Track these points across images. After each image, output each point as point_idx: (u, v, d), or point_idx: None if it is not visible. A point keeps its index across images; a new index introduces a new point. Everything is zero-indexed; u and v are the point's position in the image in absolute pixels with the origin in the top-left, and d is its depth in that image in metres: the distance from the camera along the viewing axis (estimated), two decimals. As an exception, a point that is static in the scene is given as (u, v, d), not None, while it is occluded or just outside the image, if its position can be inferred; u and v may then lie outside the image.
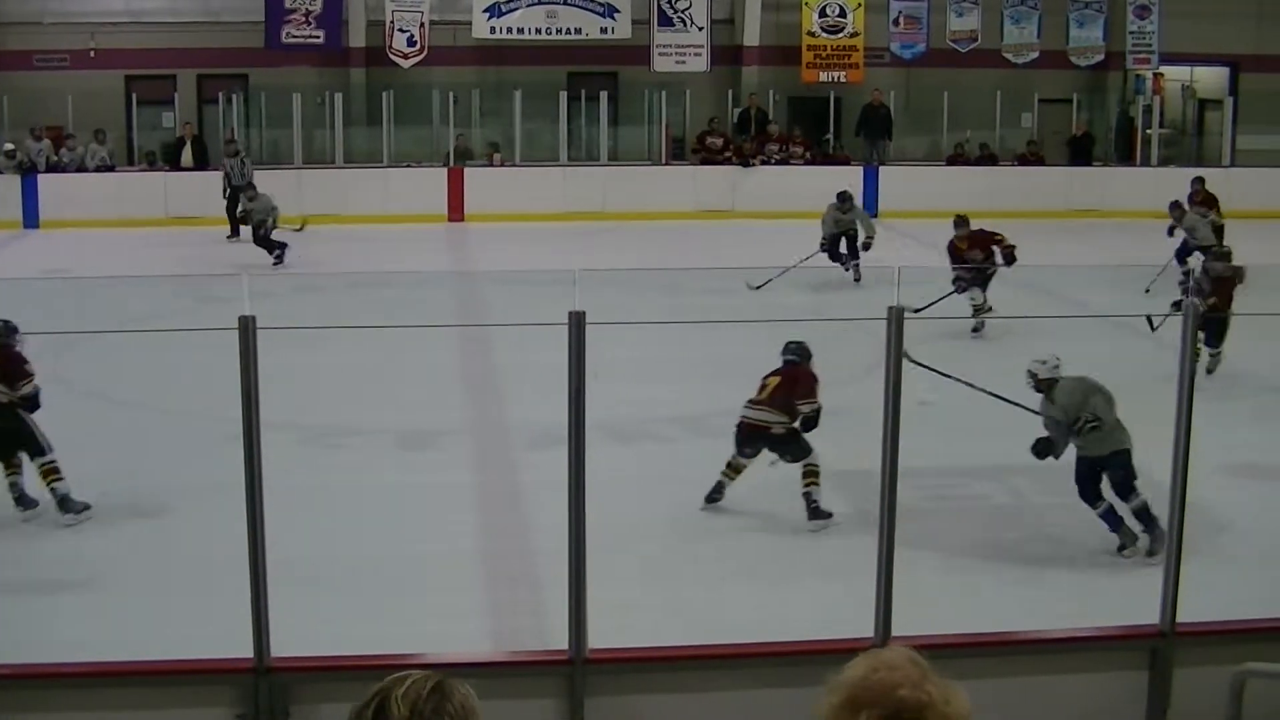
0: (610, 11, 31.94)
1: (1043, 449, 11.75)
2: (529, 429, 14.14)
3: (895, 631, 7.50)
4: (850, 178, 30.50)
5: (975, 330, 19.12)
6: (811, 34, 32.74)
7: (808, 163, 31.36)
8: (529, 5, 31.78)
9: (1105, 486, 11.55)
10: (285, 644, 7.59)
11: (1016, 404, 12.07)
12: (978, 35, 33.03)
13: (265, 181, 29.38)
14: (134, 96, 31.92)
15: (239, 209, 26.14)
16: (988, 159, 32.17)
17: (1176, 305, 17.76)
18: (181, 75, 32.31)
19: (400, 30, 31.58)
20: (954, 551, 11.45)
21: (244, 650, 7.49)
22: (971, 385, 12.63)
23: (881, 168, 31.35)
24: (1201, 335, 16.08)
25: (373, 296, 20.79)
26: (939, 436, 12.54)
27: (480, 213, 29.52)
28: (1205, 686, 7.35)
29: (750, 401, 12.12)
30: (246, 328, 7.18)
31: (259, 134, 31.92)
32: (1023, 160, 31.88)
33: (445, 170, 30.36)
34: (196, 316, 18.38)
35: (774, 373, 12.20)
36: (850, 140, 32.81)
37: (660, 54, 32.06)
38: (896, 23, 32.99)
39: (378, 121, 31.65)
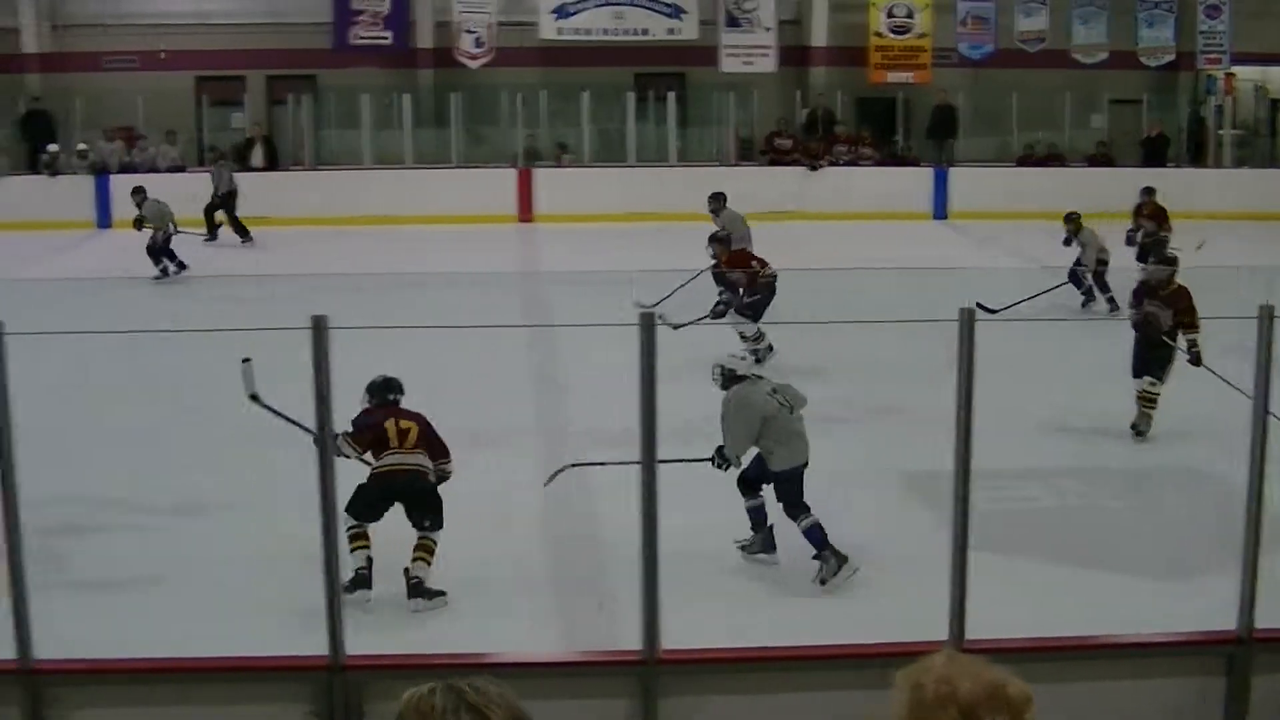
0: (677, 12, 31.91)
1: (720, 458, 11.09)
2: (599, 429, 14.13)
3: (966, 635, 7.45)
4: (919, 179, 30.56)
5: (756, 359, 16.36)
6: (879, 34, 32.63)
7: (876, 164, 31.28)
8: (596, 6, 31.79)
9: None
10: (359, 642, 7.62)
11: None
12: (1046, 35, 32.85)
13: (333, 182, 29.74)
14: (204, 98, 32.16)
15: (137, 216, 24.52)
16: (1057, 160, 31.97)
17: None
18: (251, 76, 32.54)
19: (467, 31, 31.66)
20: (1011, 554, 11.33)
21: (318, 648, 7.52)
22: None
23: (950, 169, 31.21)
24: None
25: (440, 297, 20.82)
26: (990, 439, 12.36)
27: (549, 213, 29.56)
28: (1284, 693, 7.28)
29: (391, 449, 10.71)
30: (319, 327, 7.18)
31: (328, 135, 32.04)
32: (1093, 161, 31.63)
33: (514, 171, 30.43)
34: (265, 316, 18.44)
35: (395, 416, 10.91)
36: (919, 141, 32.70)
37: (728, 55, 31.99)
38: (964, 23, 32.83)
39: (446, 122, 31.78)
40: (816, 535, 10.96)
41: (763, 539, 11.37)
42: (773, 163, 31.18)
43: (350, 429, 10.76)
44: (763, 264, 18.16)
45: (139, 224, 23.92)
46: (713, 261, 18.46)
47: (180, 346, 16.44)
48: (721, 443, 11.18)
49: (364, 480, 10.70)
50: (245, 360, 11.10)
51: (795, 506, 11.02)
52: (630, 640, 7.67)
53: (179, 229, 24.19)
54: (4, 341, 7.20)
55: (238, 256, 26.61)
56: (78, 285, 23.17)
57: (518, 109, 31.45)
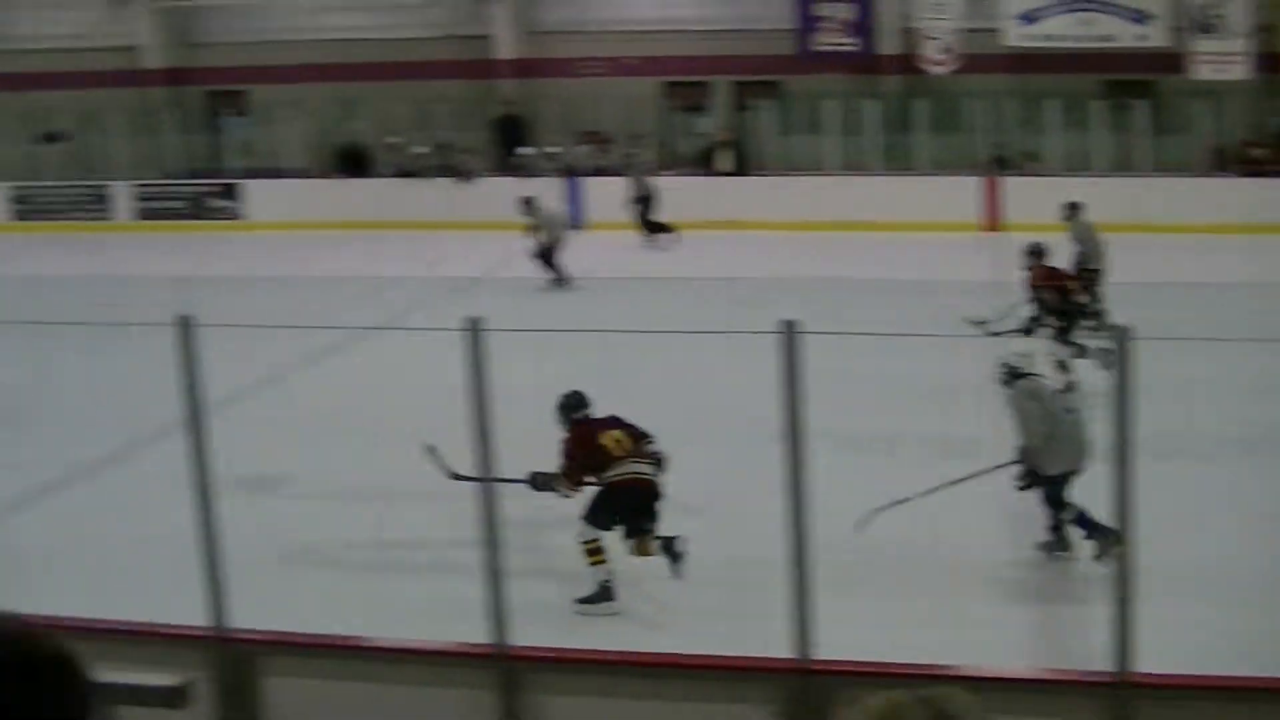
0: (1144, 18, 31.13)
1: (1029, 479, 11.51)
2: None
3: None
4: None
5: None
6: (1361, 39, 31.26)
7: (1360, 175, 29.91)
8: (1062, 12, 31.26)
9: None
10: (822, 646, 7.69)
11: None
12: None
13: (798, 188, 30.03)
14: (670, 103, 32.87)
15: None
16: None
17: None
18: (716, 82, 33.10)
19: (932, 38, 31.50)
20: None
21: (780, 650, 7.63)
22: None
23: None
24: None
25: (907, 304, 20.88)
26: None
27: (1017, 222, 29.12)
28: None
29: (617, 459, 11.02)
30: (790, 331, 7.27)
31: (792, 140, 32.33)
32: None
33: (980, 179, 30.18)
34: (729, 318, 18.70)
35: (599, 429, 11.18)
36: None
37: (1199, 62, 31.04)
38: None
39: (910, 129, 31.70)
40: (1086, 521, 11.14)
41: (1058, 539, 11.58)
42: (1248, 174, 30.10)
43: (562, 464, 11.10)
44: (1071, 282, 18.06)
45: (531, 230, 24.73)
46: (1026, 274, 18.21)
47: (648, 347, 16.72)
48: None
49: (601, 489, 11.06)
50: (430, 448, 11.35)
51: (1060, 506, 11.36)
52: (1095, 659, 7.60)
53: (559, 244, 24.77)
54: (482, 338, 7.46)
55: (682, 257, 27.20)
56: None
57: (983, 116, 31.19)
